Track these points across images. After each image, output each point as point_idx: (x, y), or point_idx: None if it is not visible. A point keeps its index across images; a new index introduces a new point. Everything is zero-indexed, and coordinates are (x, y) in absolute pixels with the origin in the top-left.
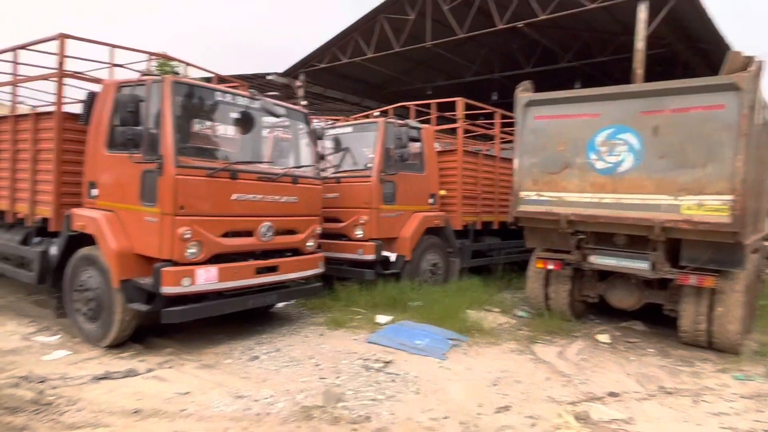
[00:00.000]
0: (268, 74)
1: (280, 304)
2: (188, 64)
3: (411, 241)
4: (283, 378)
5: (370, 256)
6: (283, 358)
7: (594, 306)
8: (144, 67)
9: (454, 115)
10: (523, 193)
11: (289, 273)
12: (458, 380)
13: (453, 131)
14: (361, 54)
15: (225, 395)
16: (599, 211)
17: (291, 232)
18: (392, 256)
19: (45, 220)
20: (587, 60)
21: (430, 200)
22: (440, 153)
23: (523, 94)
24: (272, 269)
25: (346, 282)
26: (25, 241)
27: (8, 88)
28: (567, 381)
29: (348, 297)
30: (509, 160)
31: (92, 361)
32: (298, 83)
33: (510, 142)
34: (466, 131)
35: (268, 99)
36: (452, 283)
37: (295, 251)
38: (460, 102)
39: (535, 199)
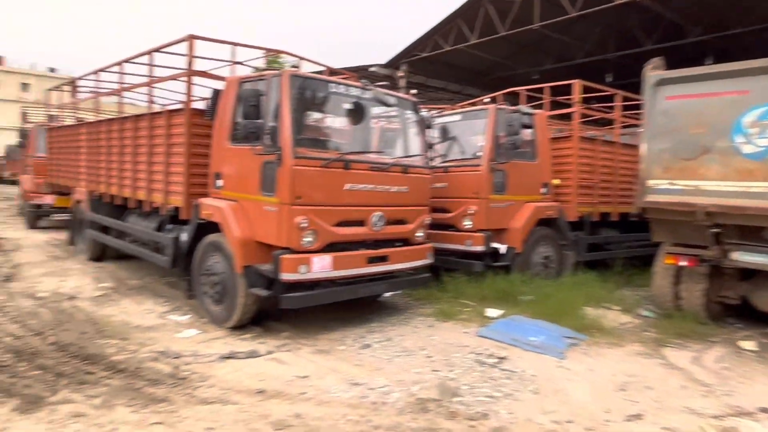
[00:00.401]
0: (371, 66)
1: (387, 294)
2: (302, 58)
3: (522, 232)
4: (396, 368)
5: (479, 248)
6: (394, 347)
7: (732, 308)
8: (260, 63)
9: (567, 99)
10: (651, 182)
11: (399, 263)
12: (580, 382)
13: (567, 116)
14: (464, 40)
15: (341, 381)
16: (747, 202)
17: (401, 222)
18: (502, 248)
19: (177, 209)
20: (721, 33)
21: (543, 190)
22: (554, 140)
23: (653, 72)
24: (382, 259)
25: (453, 273)
26: (159, 228)
27: (142, 89)
28: (707, 391)
29: (456, 289)
30: (630, 146)
31: (218, 340)
32: (399, 74)
33: (630, 126)
34: (582, 116)
35: (379, 89)
36: (566, 278)
37: (405, 241)
38: (576, 84)
39: (665, 188)
